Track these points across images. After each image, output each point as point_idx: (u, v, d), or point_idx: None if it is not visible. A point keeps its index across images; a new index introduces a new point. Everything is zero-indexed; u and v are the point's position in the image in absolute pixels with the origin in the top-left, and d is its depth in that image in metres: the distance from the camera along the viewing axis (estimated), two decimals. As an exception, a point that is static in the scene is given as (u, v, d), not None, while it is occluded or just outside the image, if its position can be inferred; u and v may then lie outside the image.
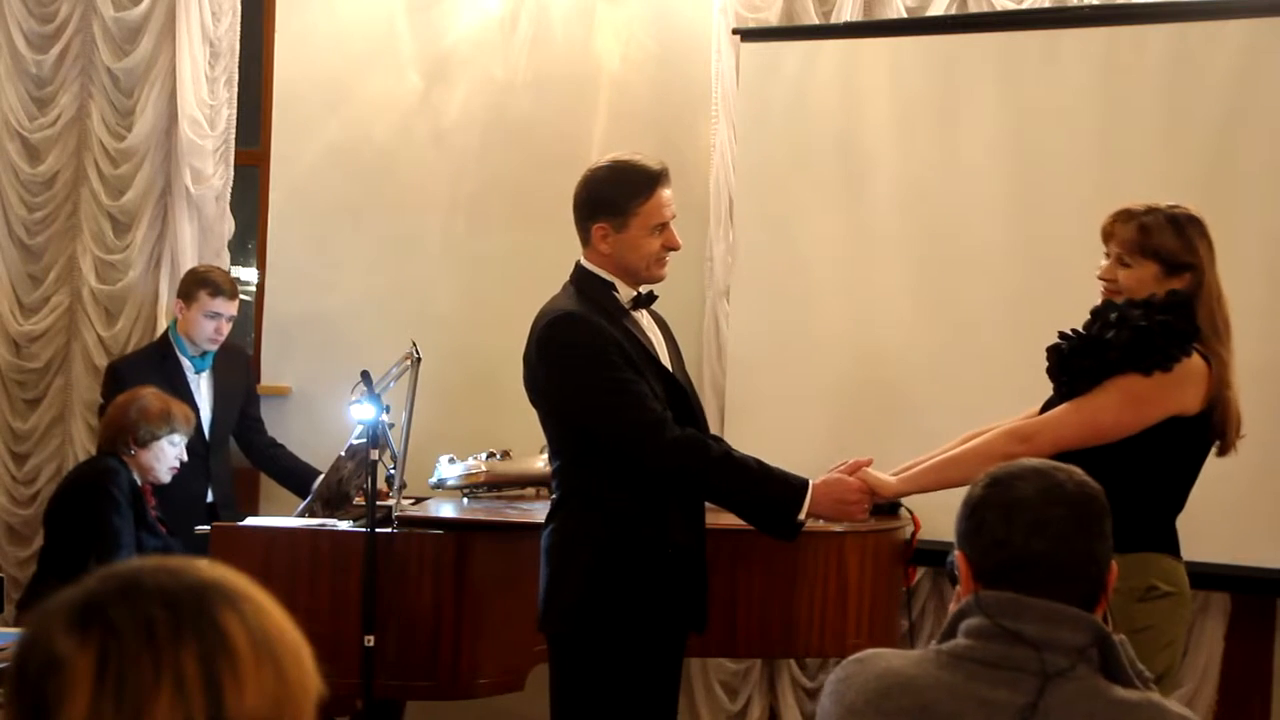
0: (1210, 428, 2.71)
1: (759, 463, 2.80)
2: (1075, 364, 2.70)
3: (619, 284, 2.84)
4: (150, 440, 3.84)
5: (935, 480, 2.86)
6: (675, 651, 2.92)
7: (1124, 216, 2.76)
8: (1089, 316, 2.75)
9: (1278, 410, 3.73)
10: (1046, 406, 2.87)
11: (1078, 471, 1.66)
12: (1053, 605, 1.56)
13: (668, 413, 2.74)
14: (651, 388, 2.75)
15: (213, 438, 4.33)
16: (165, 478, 3.91)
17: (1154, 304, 2.68)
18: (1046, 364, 2.78)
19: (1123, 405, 2.64)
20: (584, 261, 2.88)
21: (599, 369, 2.72)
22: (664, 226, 2.82)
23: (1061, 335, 2.77)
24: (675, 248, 2.85)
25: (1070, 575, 1.58)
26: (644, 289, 2.89)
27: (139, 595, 0.93)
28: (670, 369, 2.87)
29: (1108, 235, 2.79)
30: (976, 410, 3.47)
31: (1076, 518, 1.60)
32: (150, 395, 3.90)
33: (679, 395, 2.84)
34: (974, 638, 1.58)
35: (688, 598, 2.86)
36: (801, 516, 2.77)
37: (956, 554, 1.66)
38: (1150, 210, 2.74)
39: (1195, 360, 2.66)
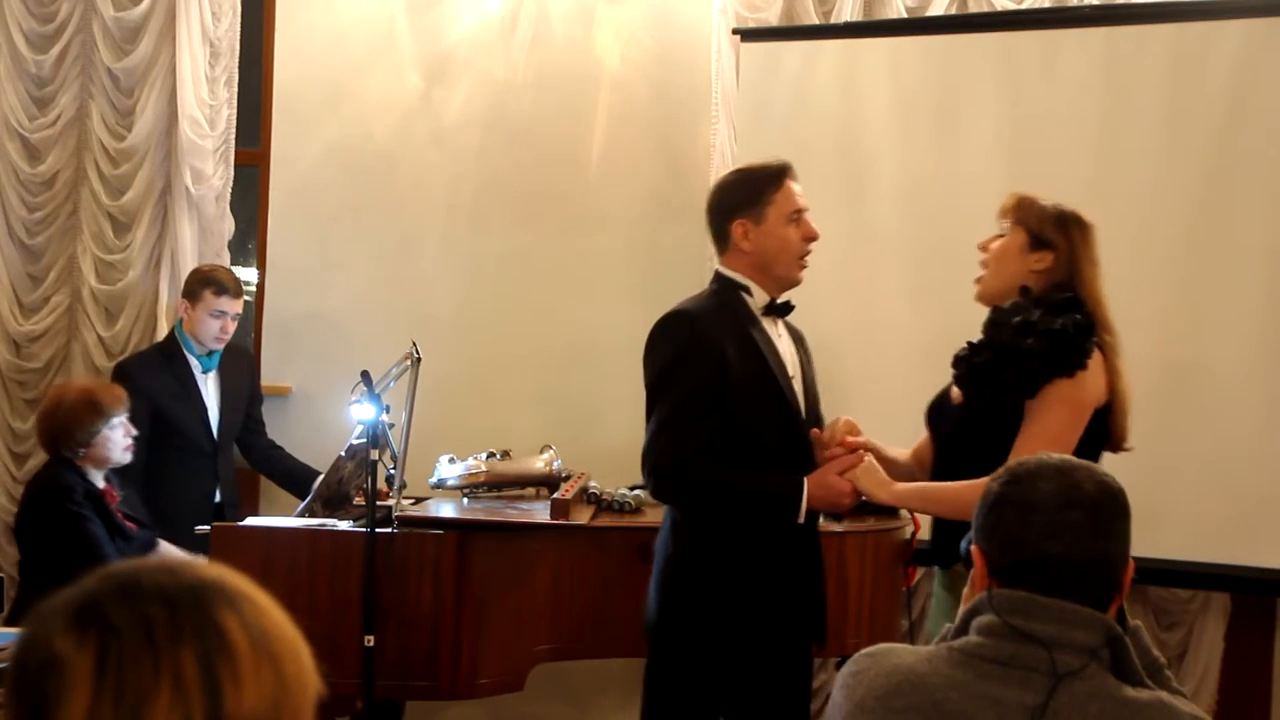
0: (1110, 413, 2.72)
1: (757, 482, 2.76)
2: (998, 376, 2.69)
3: (754, 288, 2.84)
4: (91, 437, 3.72)
5: (920, 505, 2.88)
6: (785, 664, 2.83)
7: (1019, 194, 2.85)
8: (988, 326, 2.75)
9: (1276, 411, 3.73)
10: (933, 414, 2.88)
11: (1098, 469, 1.65)
12: (1066, 605, 1.56)
13: (702, 456, 2.70)
14: (738, 408, 2.71)
15: (220, 437, 4.32)
16: (126, 458, 3.80)
17: (1049, 303, 2.69)
18: (954, 374, 2.78)
19: (1071, 416, 2.66)
20: (721, 267, 2.87)
21: (675, 380, 2.71)
22: (799, 214, 2.83)
23: (970, 345, 2.76)
24: (814, 237, 2.85)
25: (1085, 577, 1.58)
26: (781, 298, 2.87)
27: (138, 595, 0.93)
28: (792, 385, 2.83)
29: (1003, 211, 2.85)
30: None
31: (1093, 521, 1.59)
32: (72, 393, 3.77)
33: (787, 415, 2.79)
34: (986, 636, 1.58)
35: (795, 605, 2.82)
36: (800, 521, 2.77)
37: (972, 546, 1.66)
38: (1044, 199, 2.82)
39: (1095, 351, 2.68)
